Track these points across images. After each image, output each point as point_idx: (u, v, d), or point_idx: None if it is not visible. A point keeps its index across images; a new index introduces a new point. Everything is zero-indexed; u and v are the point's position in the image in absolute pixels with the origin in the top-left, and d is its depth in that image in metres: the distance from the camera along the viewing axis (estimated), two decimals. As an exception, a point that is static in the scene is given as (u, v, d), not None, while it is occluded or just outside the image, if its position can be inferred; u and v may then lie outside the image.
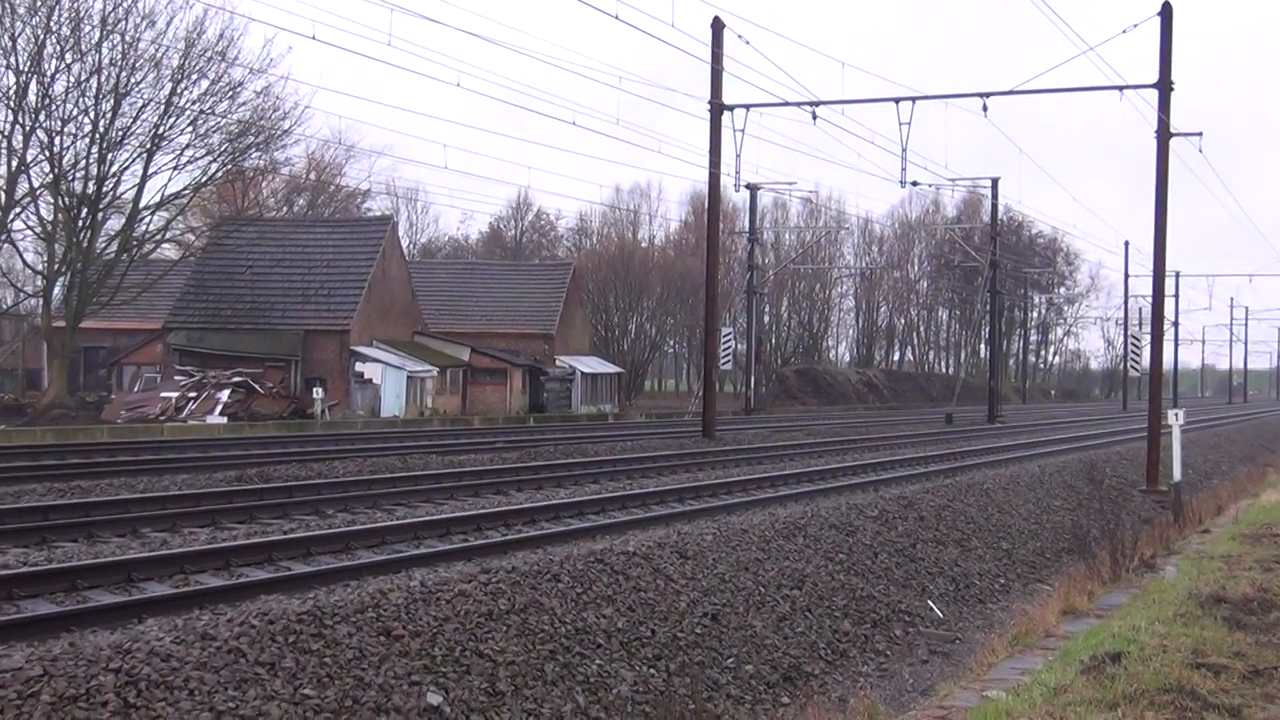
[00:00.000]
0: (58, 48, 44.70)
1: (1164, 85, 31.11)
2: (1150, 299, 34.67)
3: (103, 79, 45.53)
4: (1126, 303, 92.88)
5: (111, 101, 45.77)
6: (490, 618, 11.99)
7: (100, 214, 47.47)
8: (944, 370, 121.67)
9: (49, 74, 44.75)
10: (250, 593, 11.71)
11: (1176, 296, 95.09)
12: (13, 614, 10.65)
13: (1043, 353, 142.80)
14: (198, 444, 29.92)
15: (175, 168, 49.69)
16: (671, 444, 33.74)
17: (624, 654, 12.64)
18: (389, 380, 48.92)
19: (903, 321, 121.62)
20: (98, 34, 44.93)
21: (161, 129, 47.61)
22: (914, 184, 40.03)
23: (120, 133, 46.79)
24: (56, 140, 45.70)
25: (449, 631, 11.44)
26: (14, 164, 44.62)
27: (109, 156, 46.71)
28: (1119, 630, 11.27)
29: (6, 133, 44.56)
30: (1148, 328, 67.18)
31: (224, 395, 44.42)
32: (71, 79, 45.17)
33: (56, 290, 48.57)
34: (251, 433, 35.98)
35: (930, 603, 17.88)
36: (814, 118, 35.24)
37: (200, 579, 12.60)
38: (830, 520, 19.29)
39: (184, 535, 15.45)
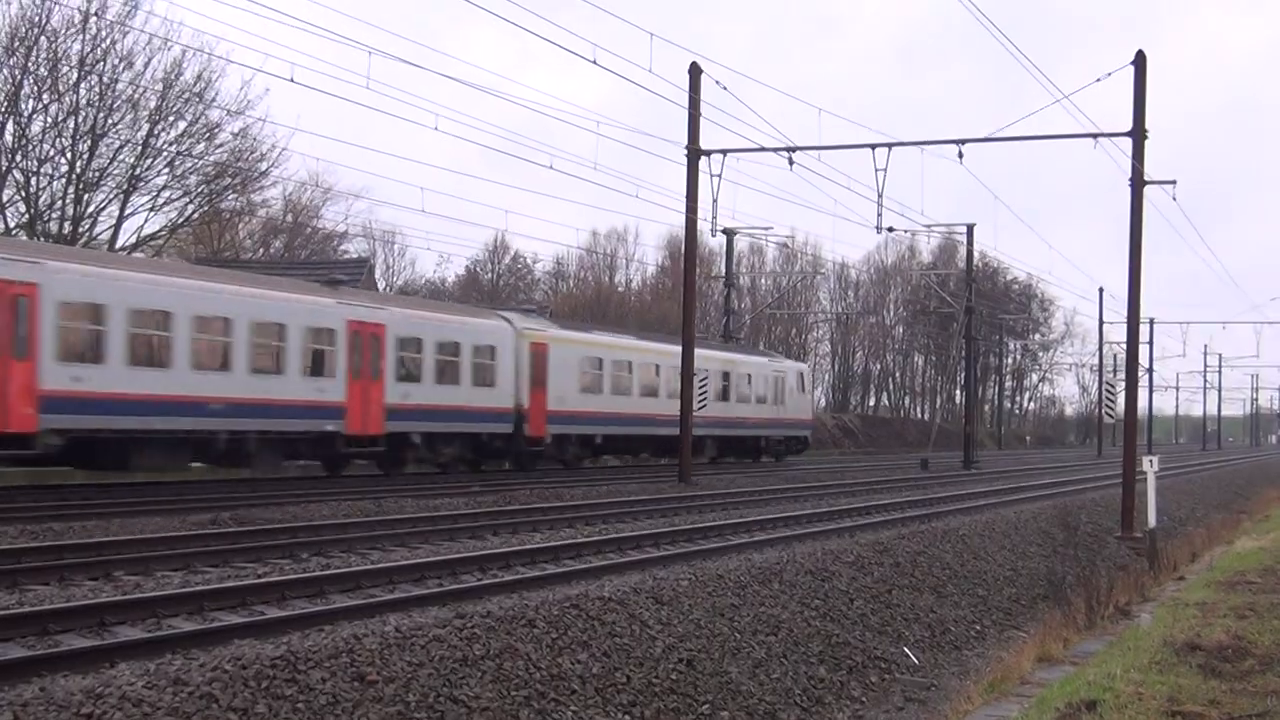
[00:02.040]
0: (35, 88, 44.67)
1: (1138, 133, 31.38)
2: (1125, 346, 34.86)
3: (80, 120, 45.50)
4: (1101, 349, 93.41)
5: (88, 142, 45.73)
6: (465, 663, 11.94)
7: (76, 255, 47.35)
8: (920, 416, 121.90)
9: (26, 114, 44.70)
10: (223, 637, 11.65)
11: (1151, 343, 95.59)
12: (-17, 658, 10.55)
13: (1018, 399, 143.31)
14: (171, 485, 29.77)
15: (152, 209, 49.66)
16: (648, 489, 33.71)
17: (599, 700, 12.59)
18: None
19: (879, 367, 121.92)
20: (75, 75, 44.94)
21: (138, 170, 47.59)
22: (890, 230, 40.35)
23: (97, 173, 46.74)
24: (33, 181, 45.61)
25: (423, 677, 11.38)
26: (-11, 204, 44.52)
27: (85, 197, 46.63)
28: (1094, 678, 11.28)
29: (-17, 173, 44.48)
30: (1122, 374, 67.55)
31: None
32: (49, 119, 45.12)
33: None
34: (228, 474, 35.78)
35: (906, 649, 17.86)
36: (791, 163, 35.44)
37: (173, 623, 12.53)
38: (806, 566, 19.27)
39: (157, 578, 15.36)
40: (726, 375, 50.67)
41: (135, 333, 27.04)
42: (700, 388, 45.10)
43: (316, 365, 31.49)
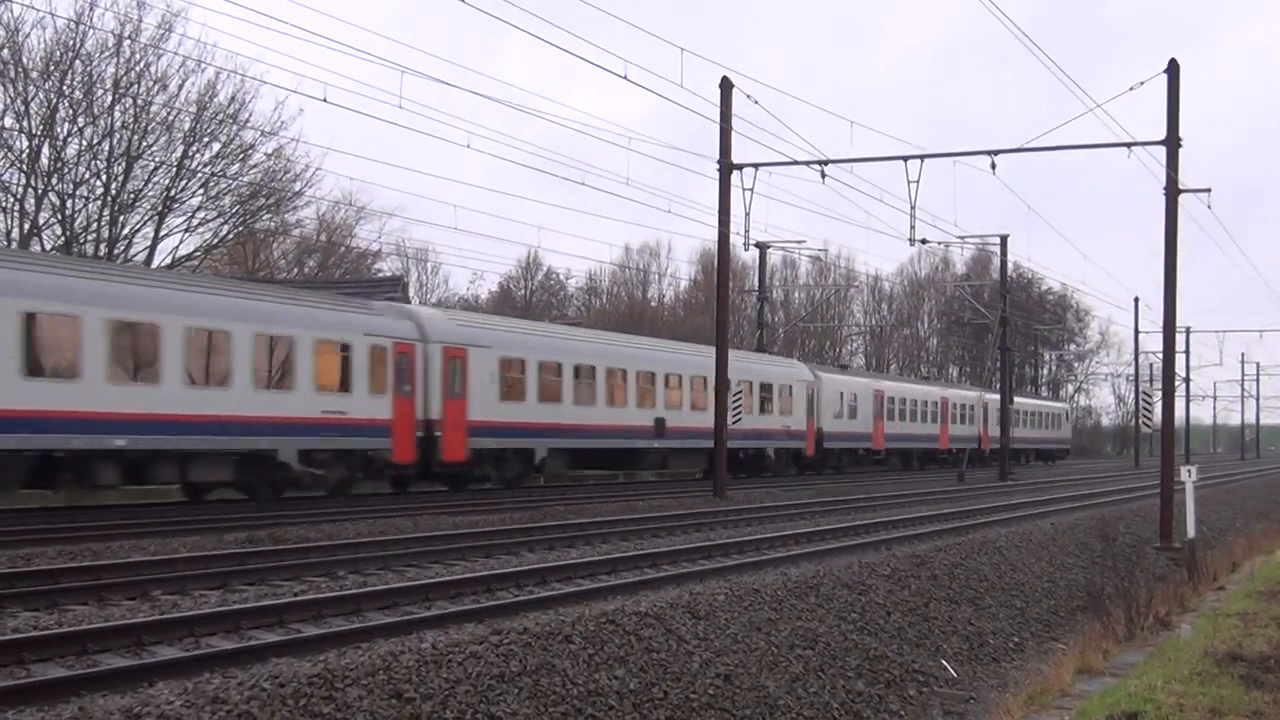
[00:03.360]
0: (70, 111, 45.06)
1: (1172, 142, 31.21)
2: (1161, 355, 34.63)
3: (115, 142, 45.89)
4: (1137, 359, 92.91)
5: (123, 164, 46.09)
6: (502, 680, 11.92)
7: (112, 276, 47.68)
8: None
9: (61, 137, 45.08)
10: (261, 655, 11.67)
11: (1187, 352, 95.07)
12: (23, 678, 10.61)
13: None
14: (208, 503, 29.88)
15: (187, 229, 50.00)
16: (683, 503, 33.67)
17: (636, 716, 12.56)
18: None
19: (913, 379, 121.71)
20: (110, 97, 45.31)
21: (173, 191, 47.93)
22: (923, 242, 40.14)
23: (132, 195, 47.10)
24: (69, 203, 45.99)
25: (460, 694, 11.38)
26: (26, 227, 44.88)
27: (120, 219, 46.99)
28: (1135, 689, 11.19)
29: (19, 195, 44.83)
30: (1159, 384, 67.11)
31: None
32: (84, 142, 45.51)
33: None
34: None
35: (944, 662, 17.76)
36: (823, 176, 35.36)
37: (210, 642, 12.56)
38: (842, 579, 19.20)
39: (194, 597, 15.42)
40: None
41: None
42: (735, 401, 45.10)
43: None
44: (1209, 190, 33.38)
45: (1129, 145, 32.43)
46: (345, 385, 31.10)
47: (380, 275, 68.53)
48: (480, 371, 35.35)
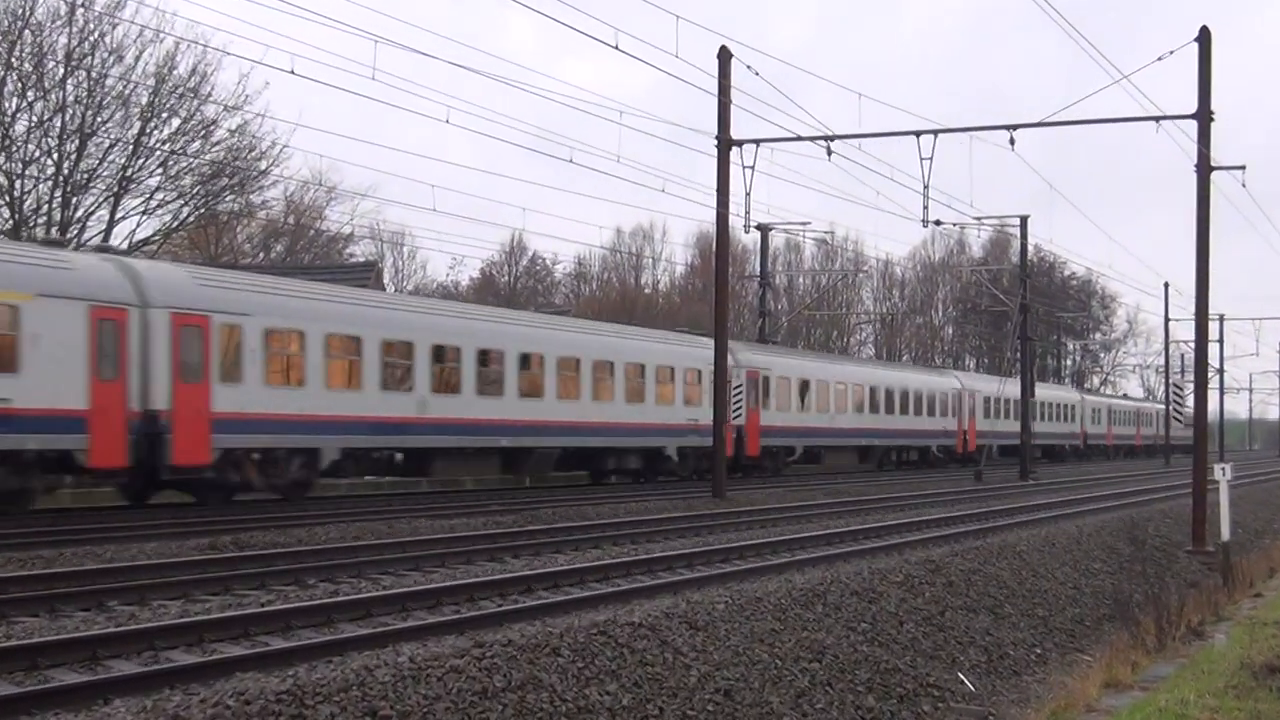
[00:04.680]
0: (19, 85, 44.99)
1: (1203, 115, 31.22)
2: (1193, 344, 34.67)
3: (67, 118, 45.81)
4: (1167, 349, 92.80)
5: (76, 142, 46.03)
6: (485, 696, 11.92)
7: (64, 262, 47.63)
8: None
9: (9, 113, 45.01)
10: (225, 670, 11.65)
11: (1221, 342, 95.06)
12: (-32, 696, 10.57)
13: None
14: (167, 508, 29.86)
15: (144, 212, 49.99)
16: (679, 505, 33.66)
17: (630, 734, 12.55)
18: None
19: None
20: (62, 70, 45.24)
21: (130, 171, 47.92)
22: (937, 223, 40.22)
23: (85, 175, 47.07)
24: (17, 184, 45.91)
25: (440, 711, 11.37)
26: (-29, 209, 44.89)
27: (73, 200, 46.95)
28: (1166, 704, 11.21)
29: (-37, 176, 44.82)
30: (1191, 375, 67.05)
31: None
32: (34, 118, 45.45)
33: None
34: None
35: (961, 675, 17.78)
36: (829, 153, 35.36)
37: (171, 656, 12.54)
38: (851, 586, 19.20)
39: (153, 608, 15.39)
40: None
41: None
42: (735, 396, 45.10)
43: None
44: (1243, 168, 33.45)
45: (1157, 119, 32.45)
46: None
47: (353, 260, 68.53)
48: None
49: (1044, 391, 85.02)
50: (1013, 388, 65.83)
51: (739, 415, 47.31)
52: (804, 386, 53.05)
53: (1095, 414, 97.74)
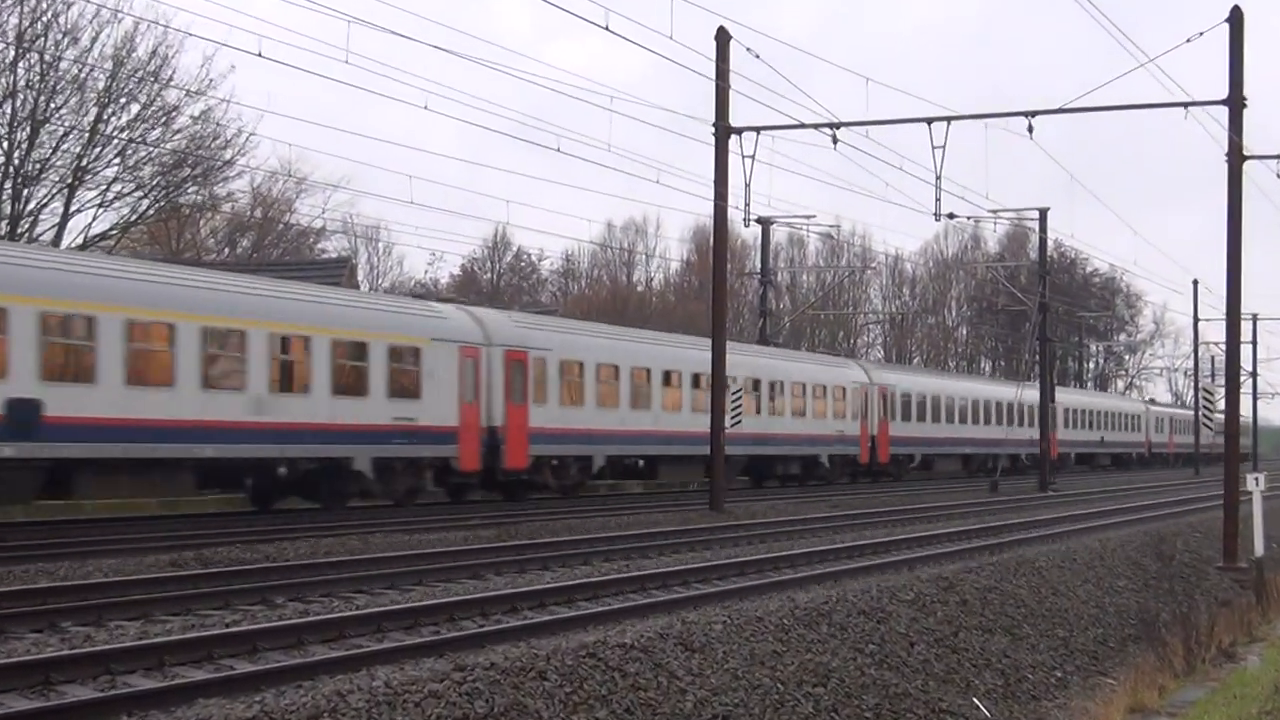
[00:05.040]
0: (-35, 70, 44.91)
1: (1235, 101, 31.24)
2: (1224, 346, 34.71)
3: (18, 104, 45.70)
4: (1196, 350, 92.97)
5: (27, 130, 45.93)
6: (465, 723, 11.90)
7: (15, 258, 47.53)
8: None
9: (-45, 99, 44.94)
10: (186, 696, 11.62)
11: (1254, 343, 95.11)
12: (-90, 724, 10.56)
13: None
14: (125, 521, 29.84)
15: (101, 205, 49.89)
16: (674, 518, 33.66)
17: (621, 764, 12.55)
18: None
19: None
20: (12, 52, 45.14)
21: (85, 161, 47.79)
22: (950, 216, 40.14)
23: (37, 165, 46.96)
24: (-36, 175, 45.84)
25: (418, 739, 11.35)
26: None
27: (25, 192, 46.84)
28: (1195, 731, 11.20)
29: (-94, 166, 44.75)
30: (1222, 379, 67.10)
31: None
32: (-19, 105, 45.34)
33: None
34: (188, 508, 35.87)
35: (976, 700, 17.78)
36: (834, 141, 35.34)
37: (129, 680, 12.51)
38: (858, 605, 19.20)
39: (110, 630, 15.36)
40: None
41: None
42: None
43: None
44: (1278, 157, 33.45)
45: (1185, 105, 32.47)
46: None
47: (325, 256, 68.46)
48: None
49: (1111, 402, 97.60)
50: (1084, 397, 73.85)
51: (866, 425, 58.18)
52: (921, 401, 63.89)
53: (1159, 423, 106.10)
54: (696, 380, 45.07)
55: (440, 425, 35.06)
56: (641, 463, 45.30)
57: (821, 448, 54.62)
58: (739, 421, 43.76)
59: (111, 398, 27.29)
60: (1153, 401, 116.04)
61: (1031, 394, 66.66)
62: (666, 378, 44.87)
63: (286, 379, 31.54)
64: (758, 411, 49.67)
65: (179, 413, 28.69)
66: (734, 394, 42.72)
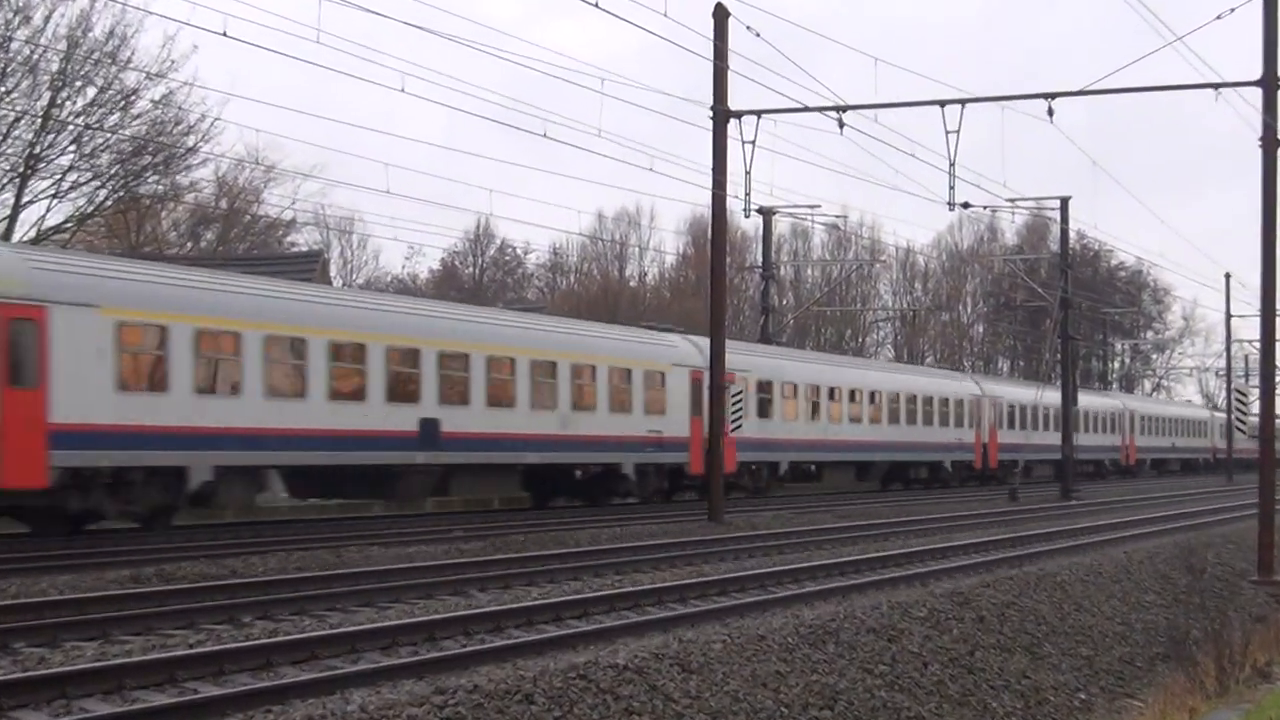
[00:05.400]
0: (-92, 51, 44.86)
1: (1270, 82, 31.23)
2: (1258, 344, 34.72)
3: (-35, 88, 45.62)
4: (1229, 349, 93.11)
5: (-24, 116, 45.84)
6: (447, 750, 11.90)
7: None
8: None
9: (-102, 83, 44.88)
10: (148, 722, 11.63)
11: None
12: None
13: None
14: (86, 535, 29.78)
15: (55, 195, 49.80)
16: (670, 529, 33.66)
17: (614, 793, 12.55)
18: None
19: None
20: (-42, 34, 45.08)
21: (38, 148, 47.69)
22: (965, 206, 40.27)
23: (-13, 154, 46.84)
24: (-92, 163, 45.78)
25: (396, 768, 11.35)
26: None
27: (-27, 183, 46.77)
28: (1229, 756, 11.21)
29: None
30: (1256, 380, 67.12)
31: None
32: (-74, 89, 45.28)
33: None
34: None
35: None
36: (841, 126, 35.33)
37: (86, 705, 12.50)
38: (868, 623, 19.21)
39: (66, 651, 15.35)
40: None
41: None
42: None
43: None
44: (1317, 140, 33.41)
45: (1216, 87, 32.49)
46: None
47: (295, 250, 68.40)
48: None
49: (1178, 410, 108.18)
50: (1157, 406, 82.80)
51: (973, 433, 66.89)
52: (1021, 410, 72.33)
53: (1223, 429, 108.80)
54: (853, 395, 56.20)
55: (678, 437, 44.10)
56: (814, 467, 55.74)
57: (945, 454, 64.91)
58: (739, 426, 43.89)
59: (479, 417, 36.82)
60: (1216, 407, 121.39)
61: (1052, 396, 67.13)
62: (832, 393, 54.64)
63: (580, 400, 40.77)
64: (900, 422, 60.11)
65: (516, 428, 38.10)
66: (734, 395, 42.94)
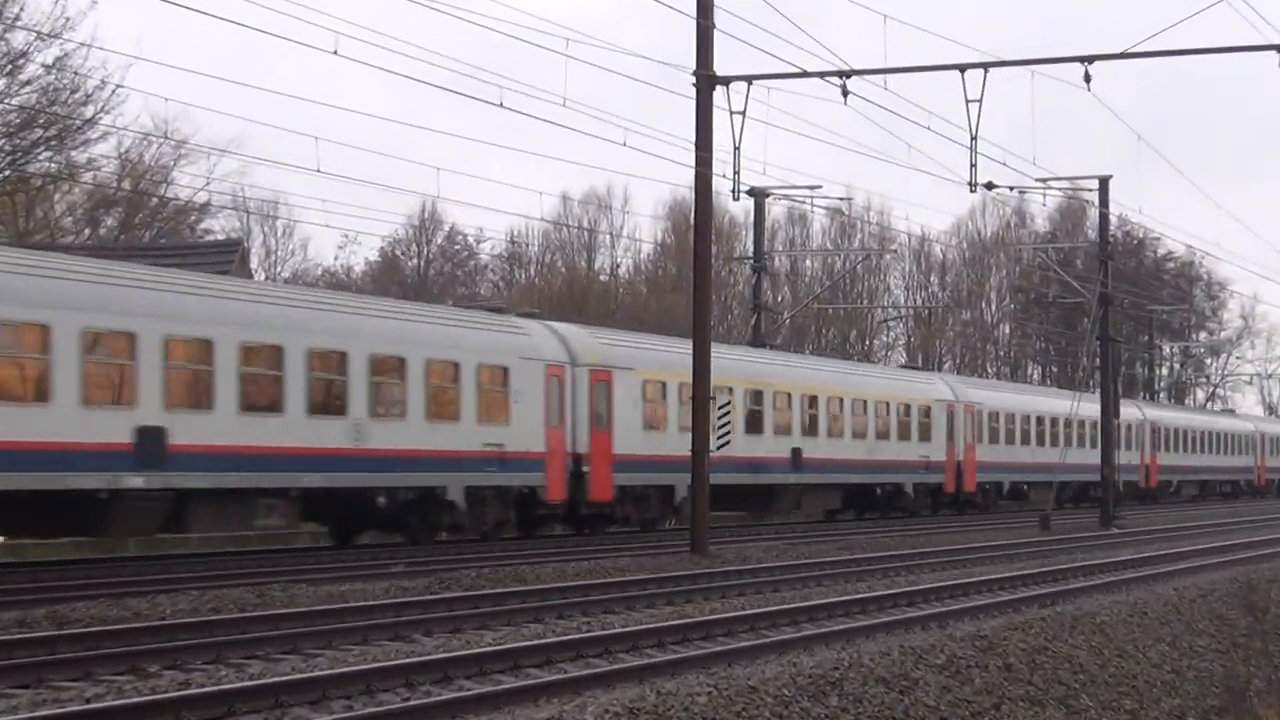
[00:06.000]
0: None
1: (1339, 43, 31.31)
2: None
3: None
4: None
5: None
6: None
7: None
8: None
9: None
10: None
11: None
12: None
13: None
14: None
15: (-69, 175, 49.63)
16: (647, 563, 33.65)
17: None
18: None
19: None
20: None
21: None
22: (988, 187, 40.32)
23: None
24: None
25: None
26: None
27: None
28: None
29: None
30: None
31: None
32: None
33: None
34: (39, 554, 35.76)
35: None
36: (845, 94, 35.37)
37: (-37, 771, 12.45)
38: (876, 671, 19.20)
39: (-60, 707, 15.30)
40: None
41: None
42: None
43: None
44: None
45: (1275, 48, 32.56)
46: None
47: (209, 239, 68.26)
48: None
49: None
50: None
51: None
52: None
53: (1275, 445, 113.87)
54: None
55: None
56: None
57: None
58: (727, 442, 43.88)
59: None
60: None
61: (1090, 408, 68.72)
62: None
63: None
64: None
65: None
66: (721, 407, 43.00)
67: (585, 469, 42.12)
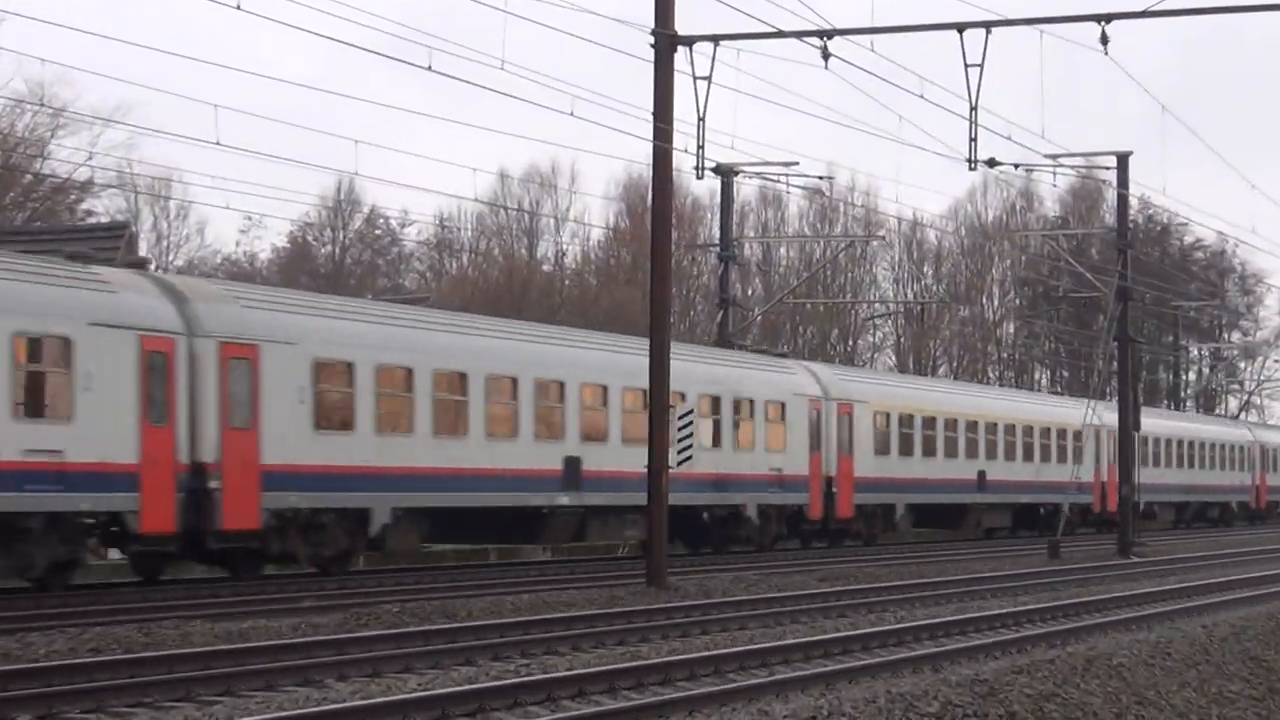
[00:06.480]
0: None
1: (1395, 0, 31.48)
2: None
3: None
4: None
5: None
6: None
7: None
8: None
9: None
10: None
11: None
12: None
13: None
14: None
15: None
16: (596, 597, 33.66)
17: None
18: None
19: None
20: None
21: None
22: (990, 164, 40.38)
23: None
24: None
25: None
26: None
27: None
28: None
29: None
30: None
31: None
32: None
33: None
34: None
35: None
36: (825, 57, 35.37)
37: None
38: (860, 721, 19.22)
39: None
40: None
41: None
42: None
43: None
44: None
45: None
46: None
47: (91, 221, 68.06)
48: None
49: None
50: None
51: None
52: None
53: None
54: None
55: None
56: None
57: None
58: (689, 458, 43.98)
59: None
60: None
61: (1109, 417, 68.04)
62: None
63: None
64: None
65: None
66: (683, 416, 43.13)
67: (834, 490, 55.91)
